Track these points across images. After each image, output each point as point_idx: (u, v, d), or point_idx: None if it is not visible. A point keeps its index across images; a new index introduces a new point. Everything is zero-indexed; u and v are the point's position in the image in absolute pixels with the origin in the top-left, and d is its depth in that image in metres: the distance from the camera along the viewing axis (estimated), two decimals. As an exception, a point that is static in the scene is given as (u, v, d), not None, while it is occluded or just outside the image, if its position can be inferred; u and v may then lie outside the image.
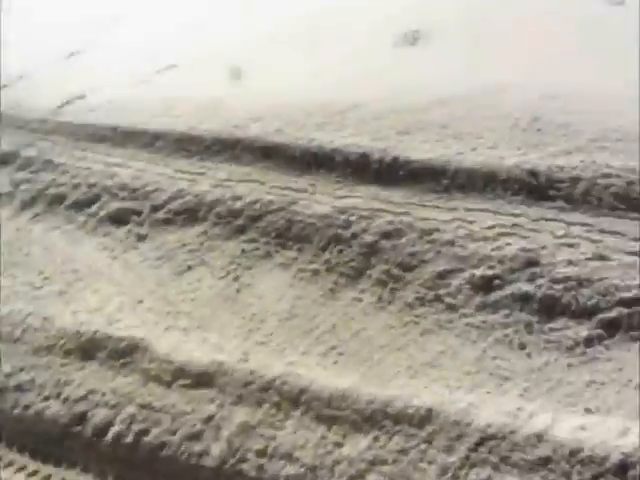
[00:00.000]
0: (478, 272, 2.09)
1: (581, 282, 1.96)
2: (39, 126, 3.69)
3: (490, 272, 2.08)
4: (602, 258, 2.02)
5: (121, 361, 2.12)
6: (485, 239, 2.22)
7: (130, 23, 4.90)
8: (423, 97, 3.16)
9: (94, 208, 2.88)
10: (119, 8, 5.05)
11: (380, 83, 3.41)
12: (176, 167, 3.07)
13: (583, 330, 1.85)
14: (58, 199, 3.01)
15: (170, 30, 4.53)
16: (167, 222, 2.71)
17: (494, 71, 3.18)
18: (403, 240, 2.29)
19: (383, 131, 2.97)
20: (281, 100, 3.44)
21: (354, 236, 2.36)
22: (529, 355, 1.83)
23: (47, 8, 5.21)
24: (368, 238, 2.34)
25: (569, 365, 1.78)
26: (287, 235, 2.47)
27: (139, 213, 2.77)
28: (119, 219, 2.80)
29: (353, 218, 2.42)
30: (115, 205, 2.85)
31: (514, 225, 2.30)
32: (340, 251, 2.33)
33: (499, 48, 3.36)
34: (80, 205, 2.93)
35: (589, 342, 1.82)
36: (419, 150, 2.75)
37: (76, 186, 3.01)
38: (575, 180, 2.40)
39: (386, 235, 2.34)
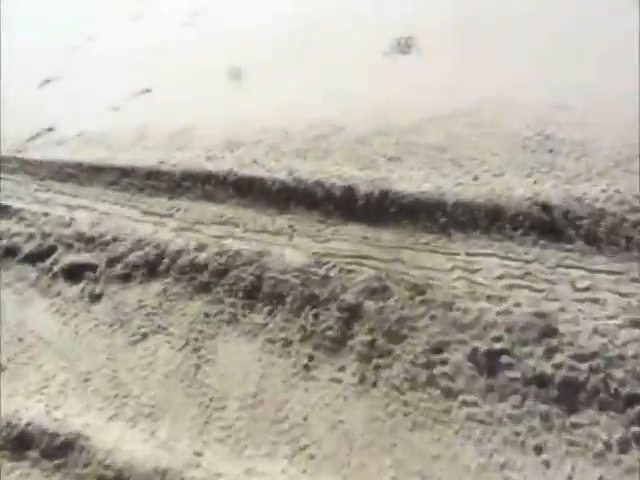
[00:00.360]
0: (482, 345, 1.69)
1: (611, 360, 1.55)
2: (4, 164, 3.42)
3: (497, 345, 1.68)
4: (637, 325, 1.61)
5: (55, 462, 1.78)
6: (490, 298, 1.82)
7: (107, 45, 4.60)
8: (415, 114, 2.77)
9: (48, 262, 2.55)
10: (95, 29, 4.77)
11: (368, 98, 3.04)
12: (143, 208, 2.75)
13: (616, 427, 1.44)
14: (12, 251, 2.70)
15: (145, 51, 4.22)
16: (124, 278, 2.37)
17: (495, 81, 2.77)
18: (391, 301, 1.90)
19: (371, 157, 2.60)
20: (260, 123, 3.09)
21: (333, 296, 1.98)
22: (547, 463, 1.43)
23: (20, 33, 4.95)
24: (350, 298, 1.96)
25: (600, 478, 1.37)
26: (256, 294, 2.10)
27: (94, 268, 2.44)
28: (73, 275, 2.47)
29: (332, 272, 2.05)
30: (70, 259, 2.52)
31: (526, 274, 1.91)
32: (316, 315, 1.95)
33: (499, 55, 2.94)
34: (33, 259, 2.61)
35: (624, 444, 1.40)
36: (411, 181, 2.37)
37: (31, 236, 2.70)
38: (597, 215, 1.98)
39: (371, 293, 1.96)
